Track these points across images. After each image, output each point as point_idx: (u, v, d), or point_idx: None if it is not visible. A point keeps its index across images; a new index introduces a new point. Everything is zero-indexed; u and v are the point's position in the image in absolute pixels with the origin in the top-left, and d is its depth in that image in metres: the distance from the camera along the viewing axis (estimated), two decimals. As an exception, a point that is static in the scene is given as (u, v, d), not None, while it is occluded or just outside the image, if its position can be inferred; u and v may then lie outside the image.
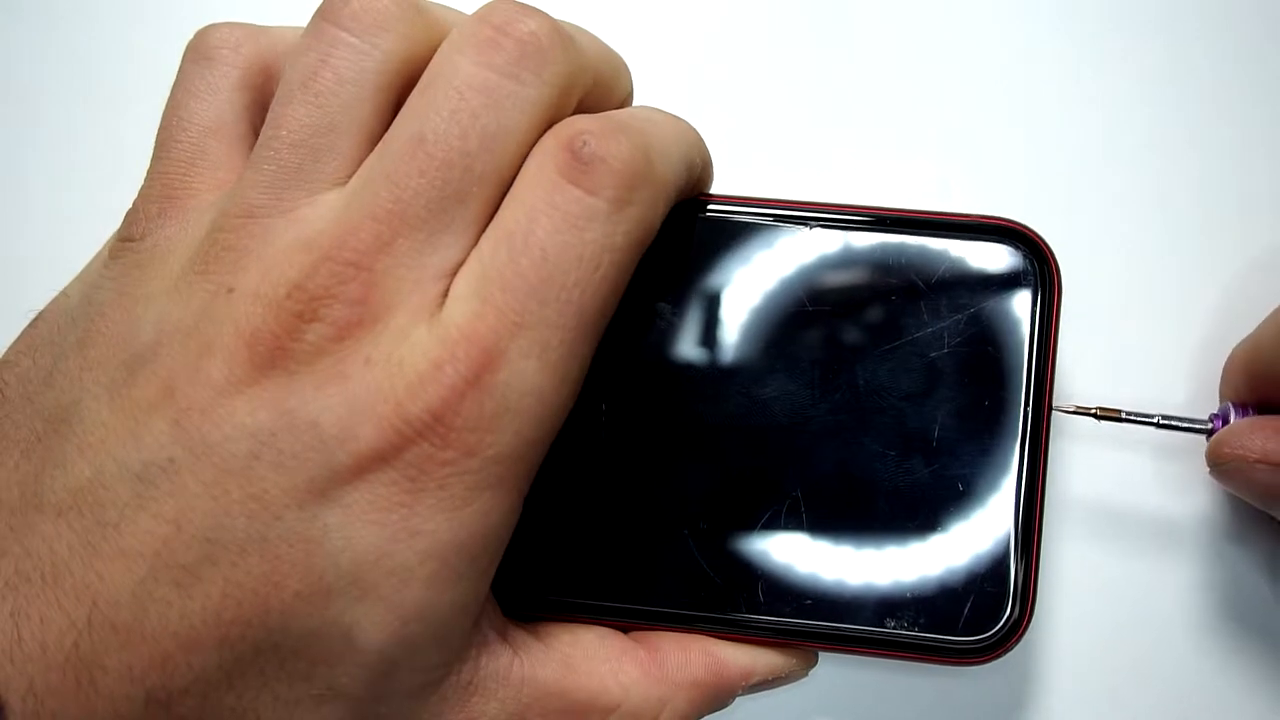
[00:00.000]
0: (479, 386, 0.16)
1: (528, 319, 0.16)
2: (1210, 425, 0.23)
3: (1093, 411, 0.22)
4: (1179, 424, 0.23)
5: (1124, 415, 0.22)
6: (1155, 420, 0.23)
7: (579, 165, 0.17)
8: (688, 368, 0.20)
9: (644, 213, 0.17)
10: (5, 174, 0.29)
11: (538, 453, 0.17)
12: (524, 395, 0.16)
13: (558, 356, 0.17)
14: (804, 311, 0.20)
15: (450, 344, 0.16)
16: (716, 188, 0.21)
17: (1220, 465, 0.22)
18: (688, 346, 0.20)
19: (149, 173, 0.19)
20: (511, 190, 0.17)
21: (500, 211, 0.17)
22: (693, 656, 0.20)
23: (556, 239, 0.17)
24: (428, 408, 0.16)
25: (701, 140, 0.20)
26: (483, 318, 0.16)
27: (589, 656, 0.19)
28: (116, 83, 0.29)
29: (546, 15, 0.18)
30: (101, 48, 0.29)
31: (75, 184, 0.29)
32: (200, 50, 0.19)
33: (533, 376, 0.16)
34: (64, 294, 0.19)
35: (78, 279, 0.19)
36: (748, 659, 0.20)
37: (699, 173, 0.20)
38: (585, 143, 0.17)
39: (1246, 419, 0.22)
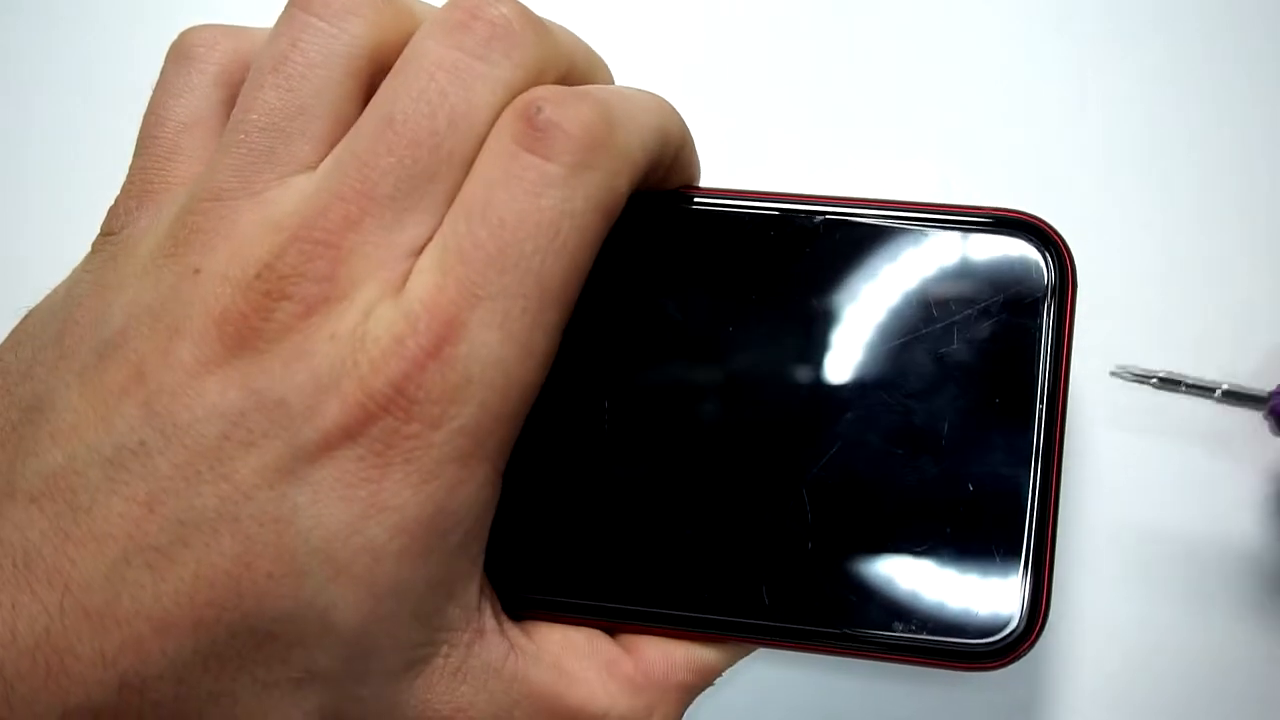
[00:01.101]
0: (440, 358, 0.16)
1: (487, 289, 0.16)
2: (1272, 400, 0.23)
3: (1155, 378, 0.22)
4: (1241, 393, 0.23)
5: (1185, 385, 0.22)
6: (1216, 393, 0.23)
7: (534, 133, 0.17)
8: (691, 365, 0.20)
9: (604, 179, 0.17)
10: (5, 174, 0.29)
11: (508, 427, 0.17)
12: (487, 366, 0.16)
13: (519, 326, 0.17)
14: (810, 307, 0.20)
15: (412, 318, 0.16)
16: (715, 184, 0.21)
17: None
18: (691, 344, 0.20)
19: (129, 170, 0.19)
20: (474, 165, 0.17)
21: (463, 186, 0.17)
22: (677, 660, 0.20)
23: (513, 207, 0.16)
24: (390, 381, 0.16)
25: (678, 116, 0.20)
26: (443, 290, 0.16)
27: (580, 662, 0.19)
28: (116, 83, 0.29)
29: (518, 1, 0.18)
30: (101, 48, 0.30)
31: (75, 184, 0.29)
32: (179, 50, 0.20)
33: (495, 347, 0.16)
34: (53, 292, 0.19)
35: (65, 278, 0.19)
36: (729, 654, 0.20)
37: (675, 145, 0.19)
38: (540, 109, 0.17)
39: None
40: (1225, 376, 0.24)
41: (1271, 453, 0.25)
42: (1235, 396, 0.22)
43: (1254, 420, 0.24)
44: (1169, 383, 0.22)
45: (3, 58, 0.30)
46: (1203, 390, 0.22)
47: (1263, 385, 0.25)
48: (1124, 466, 0.25)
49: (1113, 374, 0.20)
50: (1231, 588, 0.25)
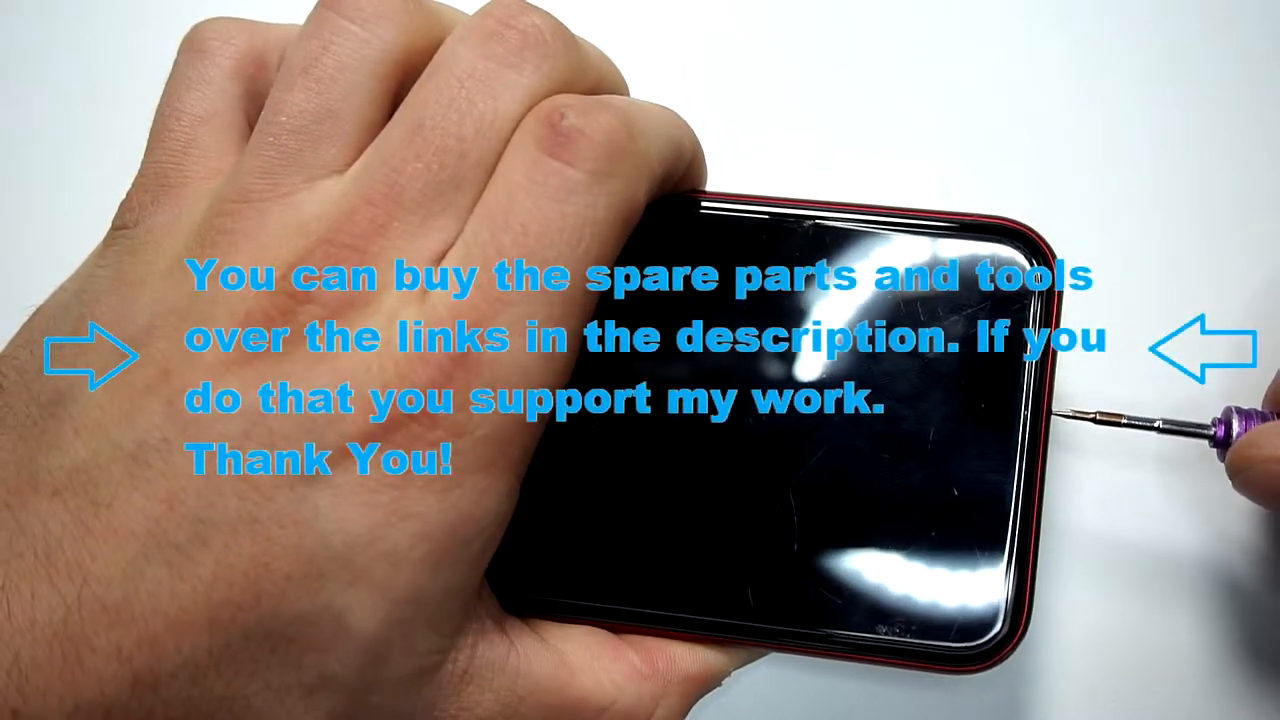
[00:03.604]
0: (464, 366, 0.16)
1: (510, 295, 0.16)
2: (1213, 430, 0.22)
3: (1091, 416, 0.22)
4: (1181, 428, 0.22)
5: (1124, 420, 0.22)
6: (1156, 425, 0.22)
7: (558, 138, 0.17)
8: (685, 368, 0.20)
9: (626, 186, 0.17)
10: (5, 174, 0.29)
11: (530, 434, 0.17)
12: (511, 373, 0.16)
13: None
14: (801, 312, 0.20)
15: (437, 324, 0.16)
16: (716, 188, 0.21)
17: (1244, 471, 0.21)
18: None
19: (143, 163, 0.19)
20: (496, 169, 0.17)
21: (485, 191, 0.17)
22: (679, 654, 0.20)
23: (536, 213, 0.17)
24: (414, 387, 0.16)
25: (690, 129, 0.20)
26: (467, 296, 0.16)
27: (584, 654, 0.19)
28: (116, 83, 0.29)
29: (550, 13, 0.18)
30: (101, 48, 0.30)
31: (75, 183, 0.29)
32: (193, 43, 0.20)
33: (518, 354, 0.16)
34: (61, 288, 0.19)
35: (74, 273, 0.19)
36: (732, 657, 0.20)
37: (688, 159, 0.20)
38: (564, 116, 0.17)
39: (1272, 422, 0.21)
40: (1219, 382, 0.24)
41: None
42: (1176, 430, 0.22)
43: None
44: (1108, 420, 0.22)
45: (3, 58, 0.30)
46: (1143, 425, 0.22)
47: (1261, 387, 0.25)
48: (1107, 472, 0.25)
49: (1054, 414, 0.19)
50: (1228, 591, 0.25)
